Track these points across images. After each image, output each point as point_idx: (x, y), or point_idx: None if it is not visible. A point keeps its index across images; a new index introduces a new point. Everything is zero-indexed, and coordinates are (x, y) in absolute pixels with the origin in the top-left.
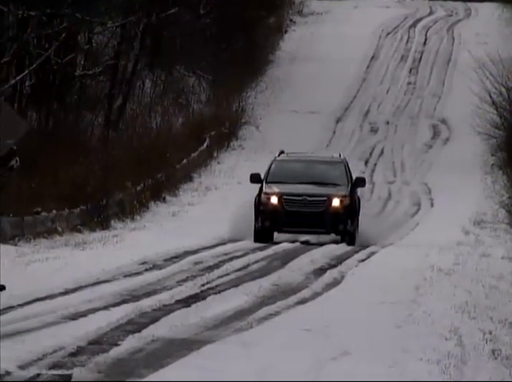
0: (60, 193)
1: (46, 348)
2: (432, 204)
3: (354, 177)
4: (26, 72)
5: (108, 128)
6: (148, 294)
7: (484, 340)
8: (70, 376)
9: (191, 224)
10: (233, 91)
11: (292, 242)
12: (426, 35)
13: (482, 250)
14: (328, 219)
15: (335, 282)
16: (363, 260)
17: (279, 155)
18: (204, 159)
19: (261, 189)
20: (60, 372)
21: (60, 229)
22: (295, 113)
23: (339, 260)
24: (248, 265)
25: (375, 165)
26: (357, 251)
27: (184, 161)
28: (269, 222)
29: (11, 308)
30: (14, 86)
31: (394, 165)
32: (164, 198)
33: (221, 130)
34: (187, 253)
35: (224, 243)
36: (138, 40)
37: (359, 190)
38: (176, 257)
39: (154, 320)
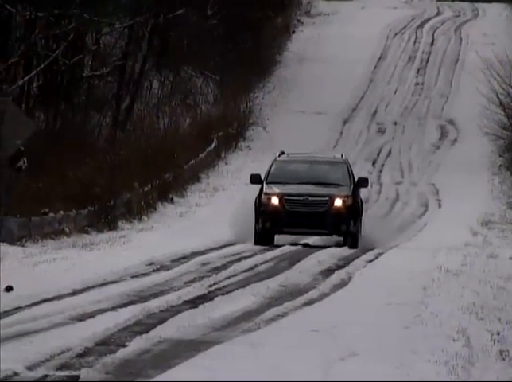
0: (68, 194)
1: (54, 348)
2: (439, 205)
3: (356, 178)
4: (34, 72)
5: (116, 129)
6: (155, 295)
7: (492, 341)
8: (77, 376)
9: (198, 225)
10: (240, 92)
11: (293, 244)
12: (434, 35)
13: (490, 251)
14: (330, 219)
15: (343, 283)
16: (371, 261)
17: (279, 156)
18: (212, 160)
19: (261, 189)
20: (67, 372)
21: (67, 230)
22: (302, 114)
23: (346, 261)
24: (255, 266)
25: (383, 165)
26: (364, 252)
27: (192, 161)
28: (269, 223)
29: (19, 309)
30: (22, 87)
31: (402, 166)
32: (171, 199)
33: (228, 130)
34: (194, 254)
35: (232, 244)
36: (146, 40)
37: (367, 191)
38: (183, 258)
39: (162, 321)
